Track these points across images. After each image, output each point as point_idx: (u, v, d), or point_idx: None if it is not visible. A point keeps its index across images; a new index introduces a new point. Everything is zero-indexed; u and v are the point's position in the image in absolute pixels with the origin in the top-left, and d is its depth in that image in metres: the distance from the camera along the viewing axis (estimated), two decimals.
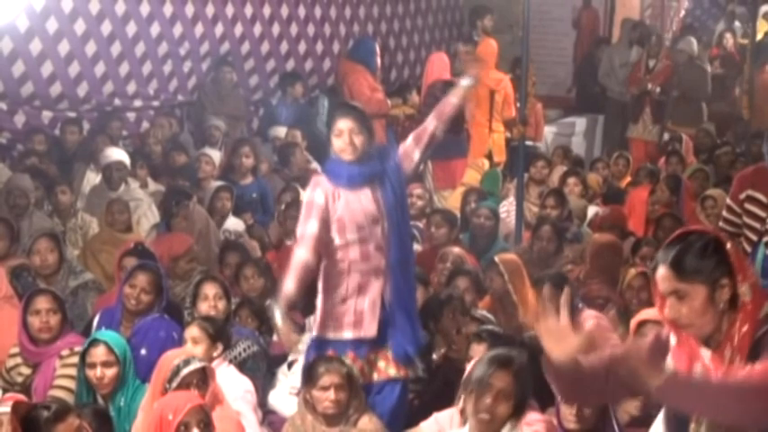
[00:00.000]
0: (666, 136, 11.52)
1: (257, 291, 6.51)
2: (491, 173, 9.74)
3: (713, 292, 3.02)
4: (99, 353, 4.92)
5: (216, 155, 9.19)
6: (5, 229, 6.74)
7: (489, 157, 10.33)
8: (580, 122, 12.85)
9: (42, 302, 5.42)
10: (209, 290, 5.85)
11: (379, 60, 10.93)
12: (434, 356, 5.76)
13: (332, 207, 5.07)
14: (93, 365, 4.92)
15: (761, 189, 5.66)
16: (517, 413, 4.07)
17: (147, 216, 8.20)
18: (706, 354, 3.08)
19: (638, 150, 11.47)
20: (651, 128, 11.64)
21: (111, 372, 4.91)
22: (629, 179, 9.87)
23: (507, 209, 8.76)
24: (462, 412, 4.43)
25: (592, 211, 8.63)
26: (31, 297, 5.47)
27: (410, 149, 5.33)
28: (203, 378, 4.54)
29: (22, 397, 4.50)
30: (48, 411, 4.05)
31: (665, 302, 3.07)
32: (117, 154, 8.53)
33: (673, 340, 3.17)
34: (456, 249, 7.10)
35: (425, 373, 5.70)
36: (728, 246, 3.05)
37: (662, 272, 3.05)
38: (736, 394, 2.87)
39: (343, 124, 5.16)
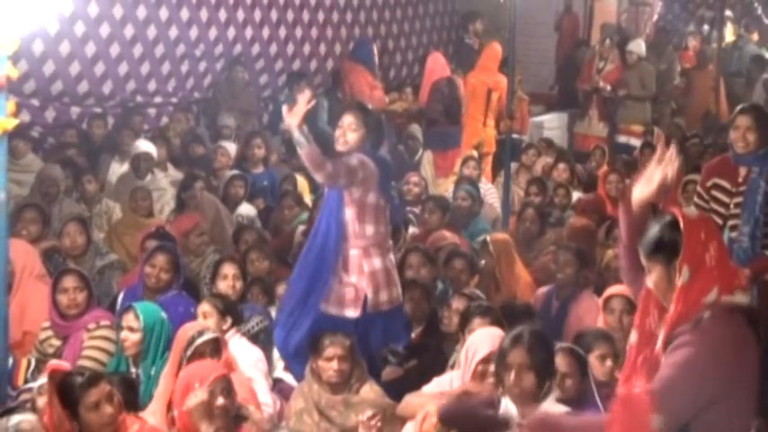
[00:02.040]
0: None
1: (263, 272, 6.51)
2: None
3: (668, 271, 3.10)
4: (128, 318, 4.98)
5: (231, 147, 9.20)
6: (38, 215, 6.73)
7: (477, 148, 10.33)
8: (562, 117, 12.80)
9: (70, 281, 5.42)
10: (229, 270, 5.89)
11: (377, 60, 10.90)
12: (412, 335, 5.77)
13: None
14: (122, 328, 5.00)
15: (725, 177, 5.64)
16: (545, 379, 3.93)
17: (170, 204, 8.24)
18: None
19: (581, 145, 11.38)
20: (597, 124, 11.54)
21: (134, 337, 4.93)
22: (605, 168, 9.84)
23: (483, 192, 8.80)
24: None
25: (575, 196, 8.63)
26: (60, 276, 5.48)
27: None
28: (216, 348, 4.54)
29: (65, 364, 4.48)
30: (81, 378, 4.05)
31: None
32: (145, 146, 8.56)
33: None
34: (448, 234, 7.12)
35: (406, 351, 5.74)
36: (683, 227, 3.09)
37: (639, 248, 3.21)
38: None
39: (346, 118, 5.26)
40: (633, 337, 3.22)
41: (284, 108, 5.12)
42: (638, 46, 11.87)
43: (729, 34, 14.35)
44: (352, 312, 5.26)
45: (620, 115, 11.46)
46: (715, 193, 5.65)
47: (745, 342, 3.10)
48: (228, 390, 4.22)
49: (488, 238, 6.57)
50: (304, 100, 4.99)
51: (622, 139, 11.24)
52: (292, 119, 4.97)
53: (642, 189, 3.54)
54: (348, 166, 5.10)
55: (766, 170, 5.49)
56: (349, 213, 5.21)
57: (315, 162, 4.98)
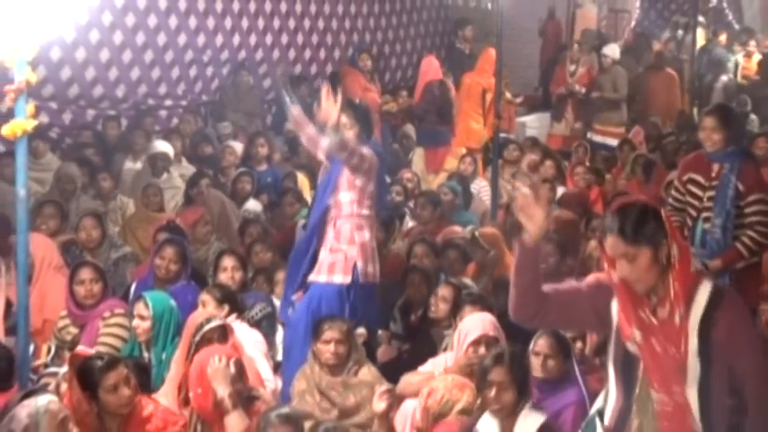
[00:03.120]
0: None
1: (266, 262, 6.56)
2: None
3: (656, 252, 3.05)
4: (139, 307, 4.99)
5: (238, 147, 9.21)
6: (57, 210, 6.73)
7: (486, 147, 10.29)
8: (543, 117, 12.77)
9: (86, 273, 5.42)
10: (228, 262, 5.88)
11: (363, 64, 10.91)
12: (412, 318, 5.80)
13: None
14: (133, 316, 5.01)
15: (699, 172, 5.68)
16: (523, 395, 3.96)
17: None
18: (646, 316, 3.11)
19: (557, 145, 11.26)
20: (573, 125, 11.39)
21: (144, 324, 4.94)
22: (587, 164, 9.83)
23: (478, 189, 8.81)
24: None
25: (560, 191, 8.64)
26: (76, 269, 5.47)
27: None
28: (223, 334, 4.54)
29: (90, 351, 4.48)
30: (101, 361, 4.06)
31: (612, 264, 3.10)
32: (162, 146, 8.56)
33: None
34: (458, 229, 7.17)
35: (405, 331, 5.77)
36: (663, 212, 3.10)
37: (612, 239, 3.08)
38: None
39: (340, 118, 5.31)
40: (638, 336, 3.10)
41: (316, 105, 5.26)
42: (613, 50, 11.84)
43: (701, 39, 14.34)
44: (340, 278, 5.29)
45: (596, 117, 11.40)
46: (690, 187, 5.69)
47: None
48: (241, 373, 4.24)
49: (477, 233, 6.58)
50: (325, 96, 5.11)
51: (599, 139, 11.16)
52: (329, 116, 5.08)
53: (535, 222, 3.11)
54: (361, 153, 5.26)
55: (736, 166, 5.52)
56: (348, 196, 5.31)
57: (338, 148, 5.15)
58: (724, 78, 13.14)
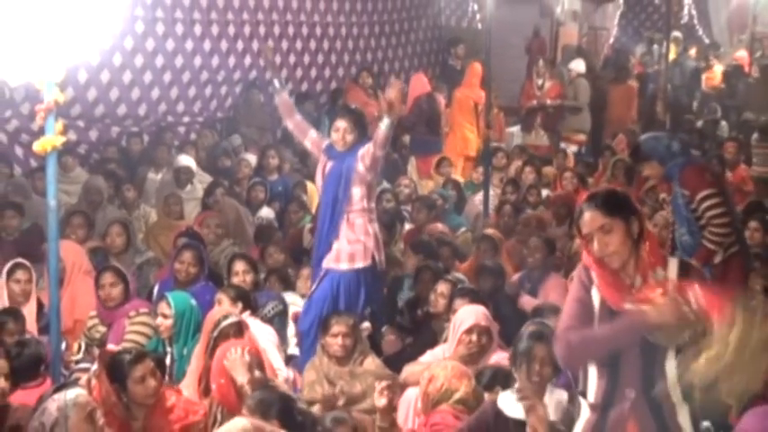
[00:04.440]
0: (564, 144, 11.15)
1: (279, 263, 6.60)
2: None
3: (629, 225, 3.11)
4: (162, 306, 5.00)
5: (253, 159, 9.21)
6: (84, 220, 6.75)
7: (478, 153, 10.28)
8: None
9: (106, 278, 5.43)
10: (239, 266, 5.87)
11: (363, 81, 10.96)
12: (419, 312, 5.81)
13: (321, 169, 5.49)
14: (157, 315, 5.03)
15: (664, 189, 5.89)
16: (557, 371, 3.92)
17: None
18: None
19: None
20: (542, 134, 11.30)
21: (167, 322, 4.95)
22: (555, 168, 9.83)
23: (482, 197, 8.81)
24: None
25: (544, 193, 8.66)
26: (99, 274, 5.50)
27: (371, 148, 5.29)
28: (239, 329, 4.55)
29: (116, 348, 4.49)
30: (129, 355, 4.07)
31: (590, 246, 3.14)
32: (185, 160, 8.55)
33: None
34: (440, 226, 7.18)
35: (412, 324, 5.78)
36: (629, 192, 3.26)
37: (589, 214, 3.13)
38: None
39: (340, 123, 5.36)
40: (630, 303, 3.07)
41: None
42: (578, 64, 11.82)
43: (673, 53, 14.35)
44: (361, 264, 5.31)
45: (562, 125, 11.34)
46: (664, 205, 5.82)
47: None
48: (260, 364, 4.27)
49: (489, 232, 6.66)
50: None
51: (562, 145, 11.11)
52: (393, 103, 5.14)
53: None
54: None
55: (676, 176, 5.64)
56: (359, 192, 5.29)
57: (388, 140, 5.23)
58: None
